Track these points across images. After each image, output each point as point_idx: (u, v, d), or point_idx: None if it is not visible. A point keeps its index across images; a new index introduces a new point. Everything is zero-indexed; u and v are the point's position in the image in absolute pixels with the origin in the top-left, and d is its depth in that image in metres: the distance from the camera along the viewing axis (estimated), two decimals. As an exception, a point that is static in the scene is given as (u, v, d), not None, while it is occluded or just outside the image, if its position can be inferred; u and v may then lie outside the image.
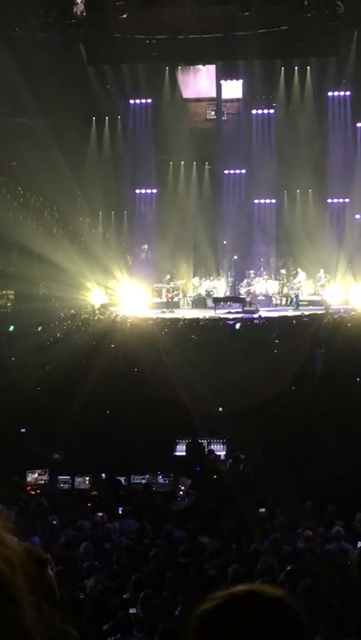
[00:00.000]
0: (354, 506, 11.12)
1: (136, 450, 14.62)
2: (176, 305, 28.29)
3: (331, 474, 13.18)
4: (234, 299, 28.33)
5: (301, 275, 28.26)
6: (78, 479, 14.15)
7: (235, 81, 30.81)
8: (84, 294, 27.73)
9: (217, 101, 31.14)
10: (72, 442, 14.74)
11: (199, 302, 28.60)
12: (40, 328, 22.41)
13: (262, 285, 28.86)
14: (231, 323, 23.89)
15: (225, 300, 28.38)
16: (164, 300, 28.39)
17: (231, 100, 31.37)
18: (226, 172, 31.29)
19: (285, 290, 28.92)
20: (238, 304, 27.47)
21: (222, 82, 30.78)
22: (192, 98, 31.50)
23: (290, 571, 8.07)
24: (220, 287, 29.30)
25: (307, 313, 25.22)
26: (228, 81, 30.82)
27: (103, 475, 14.20)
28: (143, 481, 14.06)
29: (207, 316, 25.23)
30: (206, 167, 31.38)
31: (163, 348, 20.11)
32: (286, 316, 24.48)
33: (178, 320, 23.94)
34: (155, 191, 31.58)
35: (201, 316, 25.06)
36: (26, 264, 26.55)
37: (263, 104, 30.84)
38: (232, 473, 14.33)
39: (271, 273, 29.62)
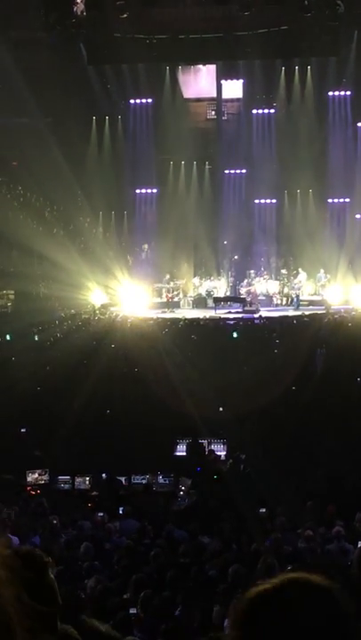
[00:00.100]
0: (354, 506, 11.11)
1: (136, 450, 14.62)
2: (176, 305, 28.28)
3: (331, 474, 13.18)
4: (234, 299, 28.32)
5: (302, 275, 28.25)
6: (79, 479, 14.16)
7: (235, 81, 30.81)
8: (84, 294, 27.73)
9: (217, 101, 31.14)
10: (72, 442, 14.73)
11: (200, 302, 28.59)
12: (37, 332, 22.32)
13: (263, 285, 28.85)
14: (231, 324, 23.87)
15: (225, 299, 28.37)
16: (165, 299, 28.39)
17: (232, 100, 31.37)
18: (226, 171, 31.29)
19: (286, 290, 28.91)
20: (239, 304, 27.46)
21: (223, 82, 30.78)
22: (192, 98, 31.49)
23: (290, 571, 8.06)
24: (221, 287, 29.29)
25: (307, 313, 25.20)
26: (229, 81, 30.82)
27: (103, 475, 14.20)
28: (144, 481, 14.07)
29: (208, 316, 25.21)
30: (207, 167, 31.38)
31: (163, 348, 20.11)
32: (287, 316, 24.47)
33: (178, 320, 23.93)
34: (155, 191, 31.58)
35: (201, 316, 25.05)
36: (26, 264, 26.55)
37: (264, 104, 30.84)
38: (232, 473, 14.33)
39: (272, 273, 29.62)
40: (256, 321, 24.15)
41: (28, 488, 14.05)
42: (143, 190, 31.58)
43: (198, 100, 31.69)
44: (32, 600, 2.22)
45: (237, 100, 31.31)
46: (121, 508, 12.15)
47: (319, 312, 25.24)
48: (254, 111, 30.94)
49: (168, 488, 13.88)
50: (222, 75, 30.66)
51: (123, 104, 31.33)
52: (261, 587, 1.46)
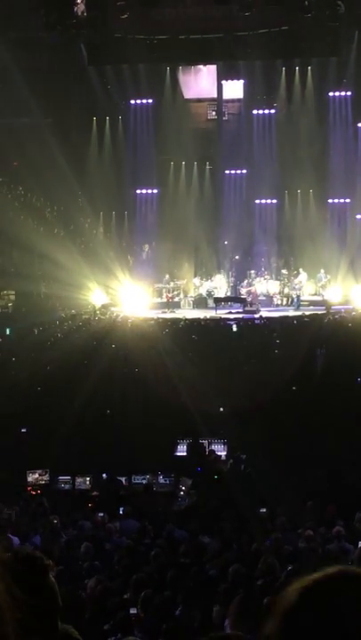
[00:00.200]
0: (355, 506, 11.11)
1: (137, 450, 14.62)
2: (177, 305, 28.28)
3: (331, 474, 13.18)
4: (235, 299, 28.32)
5: (303, 275, 28.24)
6: (79, 479, 14.16)
7: (236, 81, 30.81)
8: (84, 294, 27.73)
9: (218, 101, 31.15)
10: (73, 442, 14.73)
11: (200, 302, 28.58)
12: (37, 332, 22.32)
13: (263, 285, 28.86)
14: (231, 324, 23.88)
15: (226, 300, 28.37)
16: (165, 300, 28.39)
17: (232, 101, 31.38)
18: (227, 172, 31.29)
19: (286, 290, 28.91)
20: (239, 304, 27.46)
21: (223, 82, 30.79)
22: (193, 98, 31.50)
23: (291, 571, 8.07)
24: (221, 287, 29.29)
25: (307, 313, 25.20)
26: (229, 81, 30.83)
27: (104, 475, 14.20)
28: (144, 481, 14.07)
29: (208, 317, 25.21)
30: (207, 167, 31.38)
31: (163, 348, 20.11)
32: (287, 317, 24.46)
33: (179, 320, 23.92)
34: (155, 191, 31.58)
35: (202, 317, 25.04)
36: (27, 264, 26.57)
37: (264, 104, 30.84)
38: (233, 473, 14.34)
39: (272, 273, 29.62)
40: (256, 321, 24.15)
41: (29, 488, 14.06)
42: (144, 191, 31.59)
43: (199, 100, 31.70)
44: (32, 603, 2.23)
45: (238, 100, 31.32)
46: (121, 508, 12.15)
47: (319, 312, 25.24)
48: (255, 111, 30.94)
49: (168, 488, 13.89)
50: (223, 75, 30.67)
51: (123, 104, 31.34)
52: (309, 579, 1.44)
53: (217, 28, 27.74)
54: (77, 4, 26.91)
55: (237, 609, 6.01)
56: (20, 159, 28.49)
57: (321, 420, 15.57)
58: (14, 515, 11.48)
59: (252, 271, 29.25)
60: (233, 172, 31.25)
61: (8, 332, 22.59)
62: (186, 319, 24.07)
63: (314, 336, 20.88)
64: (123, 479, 14.04)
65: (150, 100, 31.09)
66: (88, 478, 14.13)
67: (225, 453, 15.57)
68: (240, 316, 25.36)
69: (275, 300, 28.59)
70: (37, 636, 2.21)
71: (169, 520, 11.36)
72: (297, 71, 29.91)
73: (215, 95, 31.12)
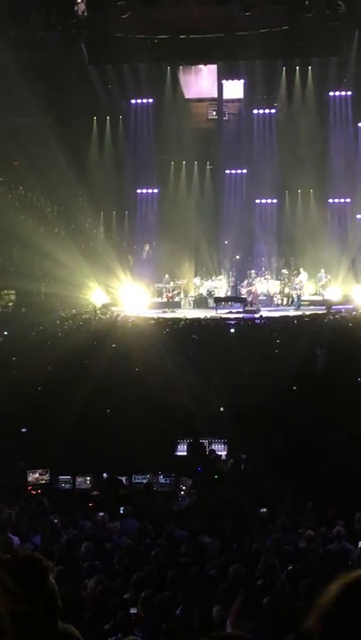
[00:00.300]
0: (355, 505, 11.11)
1: (137, 450, 14.62)
2: (177, 305, 28.28)
3: (332, 474, 13.17)
4: (235, 299, 28.33)
5: (303, 275, 28.25)
6: (79, 479, 14.16)
7: (236, 81, 30.83)
8: (85, 294, 27.74)
9: (218, 101, 31.16)
10: (73, 441, 14.72)
11: (200, 302, 28.59)
12: (38, 332, 22.30)
13: (264, 285, 28.86)
14: (232, 324, 23.87)
15: (226, 299, 28.38)
16: (165, 299, 28.40)
17: (232, 100, 31.39)
18: (227, 171, 31.30)
19: (287, 290, 28.91)
20: (240, 304, 27.47)
21: (224, 82, 30.80)
22: (193, 98, 31.52)
23: (291, 571, 8.07)
24: (222, 287, 29.30)
25: (308, 313, 25.20)
26: (230, 81, 30.84)
27: (104, 474, 14.20)
28: (144, 481, 14.06)
29: (208, 316, 25.21)
30: (208, 167, 31.39)
31: (164, 348, 20.11)
32: (287, 316, 24.46)
33: (179, 320, 23.92)
34: (156, 191, 31.59)
35: (202, 316, 25.04)
36: (27, 263, 26.56)
37: (264, 104, 30.86)
38: (233, 473, 14.33)
39: (272, 273, 29.62)
40: (257, 321, 24.15)
41: (29, 488, 14.06)
42: (144, 190, 31.60)
43: (199, 100, 31.72)
44: (32, 604, 2.22)
45: (238, 100, 31.33)
46: (122, 508, 12.15)
47: (320, 312, 25.24)
48: (255, 111, 30.96)
49: (169, 488, 13.88)
50: (223, 75, 30.69)
51: (124, 104, 31.36)
52: (350, 576, 1.44)
53: (217, 28, 27.73)
54: (78, 3, 26.92)
55: (239, 609, 6.02)
56: (20, 159, 28.51)
57: (321, 420, 15.56)
58: (14, 514, 11.48)
59: (253, 271, 29.27)
60: (233, 171, 31.26)
61: (5, 333, 22.59)
62: (186, 319, 24.07)
63: (314, 336, 20.88)
64: (123, 479, 14.03)
65: (151, 100, 31.10)
66: (88, 478, 14.12)
67: (225, 453, 15.56)
68: (240, 315, 25.36)
69: (275, 299, 28.60)
70: (37, 638, 2.22)
71: (169, 520, 11.36)
72: (297, 71, 29.93)
73: (216, 95, 31.14)
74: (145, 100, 31.20)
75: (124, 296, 28.31)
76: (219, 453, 15.48)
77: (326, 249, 29.16)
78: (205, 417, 16.41)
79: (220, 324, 23.98)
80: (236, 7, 26.71)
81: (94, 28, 27.89)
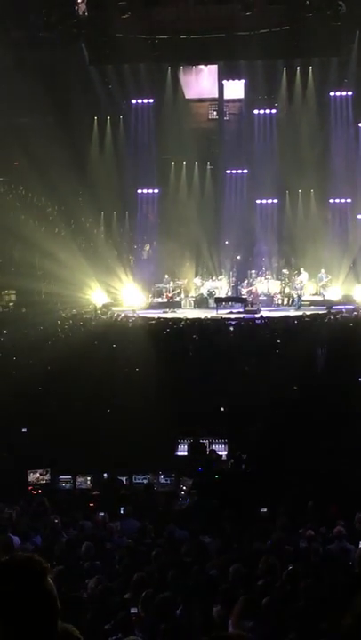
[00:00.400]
0: (356, 505, 11.10)
1: (138, 450, 14.61)
2: (178, 305, 28.31)
3: (332, 473, 13.17)
4: (236, 299, 28.34)
5: (304, 275, 28.25)
6: (80, 479, 14.15)
7: (237, 81, 30.85)
8: (85, 294, 27.75)
9: (219, 101, 31.18)
10: (73, 441, 14.72)
11: (201, 302, 28.61)
12: (38, 332, 22.30)
13: (264, 285, 28.87)
14: (232, 324, 23.87)
15: (227, 300, 28.39)
16: (165, 299, 28.42)
17: (233, 100, 31.41)
18: (228, 171, 31.32)
19: (287, 290, 28.92)
20: (240, 304, 27.49)
21: (224, 82, 30.83)
22: (194, 98, 31.54)
23: (291, 571, 8.06)
24: (222, 287, 29.31)
25: (308, 313, 25.21)
26: (230, 81, 30.86)
27: (105, 474, 14.19)
28: (145, 481, 14.05)
29: (209, 316, 25.22)
30: (208, 167, 31.41)
31: (164, 347, 20.10)
32: (288, 316, 24.46)
33: (180, 320, 23.92)
34: (157, 191, 31.61)
35: (203, 316, 25.05)
36: (27, 263, 26.56)
37: (265, 104, 30.88)
38: (234, 473, 14.32)
39: (273, 273, 29.63)
40: (257, 321, 24.15)
41: (30, 488, 14.06)
42: (145, 190, 31.62)
43: (200, 100, 31.74)
44: (31, 606, 2.22)
45: (239, 100, 31.35)
46: (122, 508, 12.14)
47: (320, 312, 25.25)
48: (256, 111, 30.99)
49: (169, 488, 13.87)
50: (224, 75, 30.71)
51: (124, 104, 31.39)
52: None
53: (218, 28, 27.75)
54: (79, 3, 26.93)
55: (242, 609, 6.02)
56: (21, 159, 28.52)
57: (322, 420, 15.55)
58: (15, 514, 11.48)
59: (253, 271, 29.29)
60: (234, 171, 31.28)
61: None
62: (187, 319, 24.07)
63: (315, 336, 20.88)
64: (123, 479, 14.02)
65: (151, 100, 31.13)
66: (89, 478, 14.11)
67: (226, 453, 15.55)
68: (241, 315, 25.37)
69: (275, 299, 28.61)
70: (36, 639, 2.22)
71: (170, 520, 11.35)
72: (298, 71, 29.96)
73: (216, 95, 31.16)
74: (145, 100, 31.22)
75: (125, 296, 28.34)
76: (219, 453, 15.46)
77: (327, 249, 29.17)
78: (206, 417, 16.41)
79: (221, 324, 23.97)
80: (236, 7, 26.72)
81: (95, 28, 27.91)
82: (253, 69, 30.12)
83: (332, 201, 30.62)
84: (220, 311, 26.74)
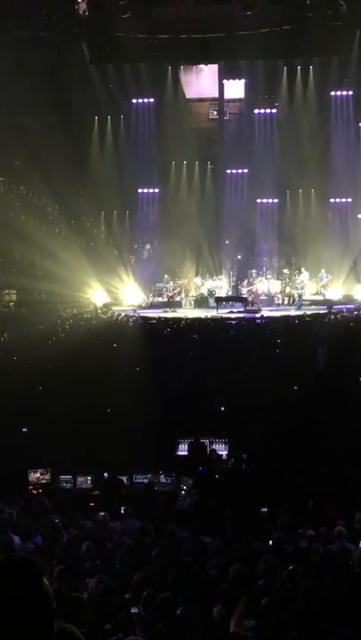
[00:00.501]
0: (356, 505, 11.10)
1: (138, 449, 14.61)
2: (178, 304, 28.32)
3: (333, 473, 13.17)
4: (236, 298, 28.35)
5: (304, 274, 28.26)
6: (80, 478, 14.14)
7: (237, 80, 30.85)
8: (86, 293, 27.75)
9: (219, 101, 31.17)
10: (74, 441, 14.72)
11: (201, 302, 28.62)
12: (38, 332, 22.30)
13: (265, 285, 28.87)
14: (233, 323, 23.87)
15: (227, 299, 28.40)
16: (166, 299, 28.44)
17: (234, 100, 31.41)
18: (228, 171, 31.32)
19: (288, 289, 28.92)
20: (240, 304, 27.49)
21: (225, 81, 30.83)
22: (195, 97, 31.54)
23: (292, 571, 8.06)
24: (223, 287, 29.32)
25: (309, 312, 25.21)
26: (231, 80, 30.86)
27: (105, 474, 14.18)
28: (145, 480, 14.04)
29: (209, 316, 25.23)
30: (209, 167, 31.42)
31: (165, 347, 20.10)
32: (288, 316, 24.46)
33: (180, 319, 23.93)
34: (157, 191, 31.61)
35: (203, 316, 25.06)
36: (28, 263, 26.55)
37: (266, 104, 30.88)
38: (234, 473, 14.32)
39: (274, 272, 29.63)
40: (258, 321, 24.15)
41: (30, 487, 14.06)
42: (145, 190, 31.62)
43: (200, 99, 31.74)
44: (28, 606, 2.22)
45: (239, 99, 31.35)
46: (122, 508, 12.15)
47: (321, 312, 25.25)
48: (256, 111, 30.99)
49: (170, 488, 13.86)
50: (224, 74, 30.71)
51: (125, 104, 31.38)
52: None
53: (218, 28, 27.77)
54: (79, 3, 26.95)
55: (244, 609, 6.02)
56: (21, 158, 28.51)
57: (322, 420, 15.56)
58: (15, 514, 11.48)
59: (253, 271, 29.29)
60: (234, 171, 31.28)
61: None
62: (187, 318, 24.08)
63: (315, 335, 20.88)
64: (124, 478, 14.01)
65: (152, 100, 31.13)
66: (89, 477, 14.10)
67: (226, 453, 15.55)
68: (241, 315, 25.37)
69: (276, 299, 28.61)
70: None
71: (170, 520, 11.35)
72: (298, 70, 29.95)
73: (217, 95, 31.16)
74: (146, 100, 31.22)
75: (125, 295, 28.35)
76: (220, 453, 15.46)
77: (327, 248, 29.17)
78: (206, 416, 16.41)
79: (221, 323, 23.97)
80: (237, 7, 26.74)
81: (95, 28, 27.92)
82: (254, 69, 30.12)
83: (332, 200, 30.63)
84: (220, 311, 26.75)
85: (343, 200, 30.61)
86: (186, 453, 15.68)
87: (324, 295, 28.15)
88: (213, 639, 6.65)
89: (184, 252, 29.97)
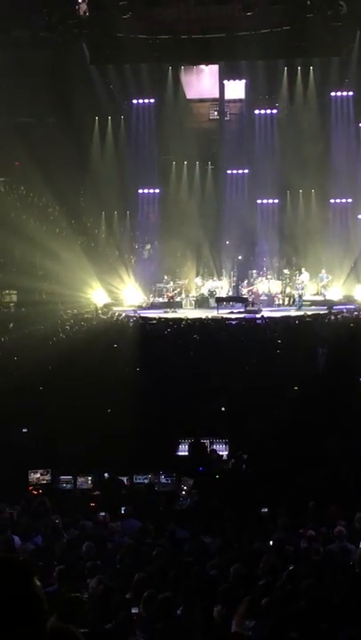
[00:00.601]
0: (356, 505, 11.11)
1: (138, 450, 14.61)
2: (179, 305, 28.33)
3: (333, 473, 13.17)
4: (237, 299, 28.36)
5: (305, 274, 28.27)
6: (80, 479, 14.14)
7: (238, 81, 30.85)
8: (86, 293, 27.76)
9: (220, 101, 31.18)
10: (74, 441, 14.72)
11: (202, 302, 28.64)
12: (39, 332, 22.30)
13: (265, 285, 28.88)
14: (233, 324, 23.88)
15: (228, 299, 28.41)
16: (166, 299, 28.45)
17: (234, 101, 31.41)
18: (229, 171, 31.33)
19: (288, 290, 28.93)
20: (241, 304, 27.50)
21: (225, 82, 30.83)
22: (195, 98, 31.54)
23: (292, 571, 8.07)
24: (223, 287, 29.33)
25: (309, 313, 25.22)
26: (231, 81, 30.86)
27: (105, 474, 14.19)
28: (146, 481, 14.05)
29: (210, 316, 25.24)
30: (209, 167, 31.42)
31: (165, 347, 20.10)
32: (289, 316, 24.47)
33: (181, 320, 23.93)
34: (157, 191, 31.61)
35: (204, 316, 25.07)
36: (29, 263, 26.56)
37: (266, 104, 30.89)
38: (234, 473, 14.32)
39: (274, 273, 29.64)
40: (258, 321, 24.16)
41: (30, 488, 14.06)
42: (146, 190, 31.62)
43: (201, 100, 31.74)
44: (18, 607, 2.22)
45: (240, 100, 31.35)
46: (123, 508, 12.15)
47: (321, 312, 25.26)
48: (257, 111, 31.00)
49: (170, 488, 13.86)
50: (225, 75, 30.71)
51: (125, 104, 31.39)
52: None
53: (219, 28, 27.76)
54: (80, 3, 26.96)
55: (246, 609, 6.03)
56: (22, 158, 28.51)
57: (322, 420, 15.56)
58: (16, 514, 11.49)
59: (254, 271, 29.30)
60: (235, 171, 31.28)
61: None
62: (188, 319, 24.08)
63: (315, 336, 20.88)
64: (124, 479, 14.01)
65: (152, 100, 31.13)
66: (90, 478, 14.10)
67: (226, 453, 15.55)
68: (242, 315, 25.37)
69: (276, 300, 28.62)
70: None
71: (170, 520, 11.35)
72: (299, 71, 29.96)
73: (217, 95, 31.16)
74: (146, 100, 31.23)
75: (126, 296, 28.36)
76: (220, 453, 15.46)
77: (328, 249, 29.18)
78: (207, 417, 16.41)
79: (222, 324, 23.98)
80: (237, 7, 26.74)
81: (96, 28, 27.93)
82: (254, 69, 30.12)
83: (333, 201, 30.63)
84: (221, 311, 26.76)
85: (343, 200, 30.62)
86: (186, 453, 15.68)
87: (325, 295, 28.15)
88: (213, 639, 6.65)
89: (185, 252, 29.98)
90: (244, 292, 28.62)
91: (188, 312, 26.68)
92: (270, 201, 30.96)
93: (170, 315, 26.16)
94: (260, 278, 29.00)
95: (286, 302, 28.60)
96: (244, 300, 27.81)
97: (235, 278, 29.38)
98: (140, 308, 27.57)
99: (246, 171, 31.18)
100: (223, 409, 17.00)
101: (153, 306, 28.11)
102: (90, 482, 14.08)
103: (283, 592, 7.50)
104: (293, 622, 6.81)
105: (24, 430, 15.87)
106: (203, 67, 31.23)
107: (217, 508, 11.78)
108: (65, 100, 29.02)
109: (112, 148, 31.32)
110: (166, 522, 11.16)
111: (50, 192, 28.17)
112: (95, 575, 8.23)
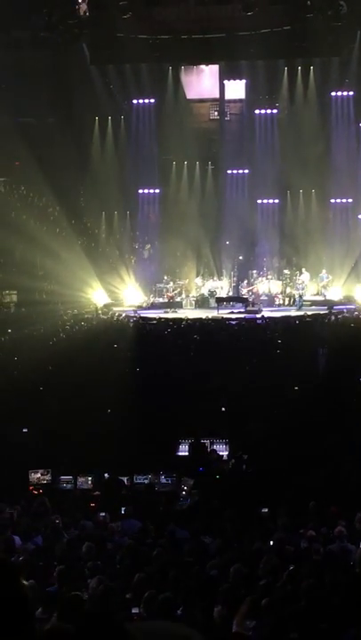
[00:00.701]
0: (356, 505, 11.10)
1: (139, 450, 14.61)
2: (179, 305, 28.33)
3: (333, 473, 13.16)
4: (237, 299, 28.36)
5: (305, 275, 28.26)
6: (81, 479, 14.14)
7: (238, 81, 30.83)
8: (86, 293, 27.76)
9: (220, 101, 31.16)
10: (74, 442, 14.72)
11: (202, 302, 28.63)
12: (39, 332, 22.30)
13: (265, 285, 28.87)
14: (233, 324, 23.88)
15: (228, 300, 28.40)
16: (166, 299, 28.45)
17: (234, 101, 31.39)
18: (229, 171, 31.31)
19: (289, 290, 28.92)
20: (241, 304, 27.50)
21: (225, 82, 30.81)
22: (195, 98, 31.52)
23: (292, 571, 8.06)
24: (224, 287, 29.32)
25: (310, 313, 25.22)
26: (232, 81, 30.85)
27: (106, 475, 14.18)
28: (146, 481, 14.04)
29: (210, 316, 25.23)
30: (209, 167, 31.41)
31: (165, 347, 20.10)
32: (289, 316, 24.47)
33: (181, 320, 23.93)
34: (158, 191, 31.60)
35: (204, 316, 25.06)
36: (29, 263, 26.56)
37: (266, 104, 30.87)
38: (234, 473, 14.32)
39: (274, 273, 29.64)
40: (258, 321, 24.16)
41: (31, 488, 14.05)
42: (146, 190, 31.61)
43: (201, 100, 31.72)
44: (3, 607, 2.20)
45: (240, 100, 31.33)
46: (123, 508, 12.15)
47: (322, 312, 25.25)
48: (257, 111, 30.98)
49: (170, 488, 13.86)
50: (225, 75, 30.70)
51: (125, 104, 31.38)
52: None
53: (219, 28, 27.75)
54: (80, 3, 26.96)
55: (248, 609, 6.02)
56: (22, 158, 28.51)
57: (323, 420, 15.56)
58: (16, 514, 11.48)
59: (254, 271, 29.29)
60: (235, 171, 31.27)
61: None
62: (188, 319, 24.08)
63: (316, 336, 20.88)
64: (124, 479, 14.01)
65: (152, 100, 31.12)
66: (90, 478, 14.10)
67: (227, 453, 15.55)
68: (242, 315, 25.37)
69: (276, 300, 28.62)
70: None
71: (171, 520, 11.34)
72: (299, 71, 29.94)
73: (217, 95, 31.14)
74: (147, 100, 31.21)
75: (126, 296, 28.36)
76: (220, 453, 15.45)
77: (328, 249, 29.18)
78: (207, 417, 16.41)
79: (222, 324, 23.97)
80: (237, 7, 26.74)
81: (96, 28, 27.92)
82: (254, 69, 30.10)
83: (333, 201, 30.62)
84: (221, 311, 26.75)
85: (344, 200, 30.60)
86: (186, 454, 15.67)
87: (325, 296, 28.14)
88: (214, 639, 6.64)
89: (185, 252, 29.97)
90: (245, 292, 28.61)
91: (189, 312, 26.67)
92: (270, 201, 30.95)
93: (170, 315, 26.15)
94: (260, 278, 28.99)
95: (286, 302, 28.58)
96: (244, 301, 27.80)
97: (235, 278, 29.37)
98: (141, 308, 27.58)
99: (246, 171, 31.17)
100: (223, 409, 17.00)
101: (153, 306, 28.10)
102: (90, 482, 14.08)
103: (283, 592, 7.50)
104: (294, 622, 6.80)
105: (24, 430, 15.87)
106: (203, 67, 31.21)
107: (217, 509, 11.78)
108: (65, 100, 29.02)
109: (112, 148, 31.30)
110: (166, 522, 11.15)
111: (50, 192, 28.17)
112: (95, 575, 8.23)
